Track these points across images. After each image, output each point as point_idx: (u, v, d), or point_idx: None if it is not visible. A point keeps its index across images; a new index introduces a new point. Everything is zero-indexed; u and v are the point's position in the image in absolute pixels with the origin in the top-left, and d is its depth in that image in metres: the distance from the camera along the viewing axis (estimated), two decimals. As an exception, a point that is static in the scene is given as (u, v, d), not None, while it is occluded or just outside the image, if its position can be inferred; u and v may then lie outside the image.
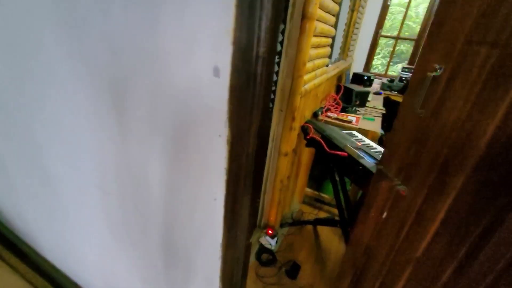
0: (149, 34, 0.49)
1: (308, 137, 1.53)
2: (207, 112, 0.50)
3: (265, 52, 0.42)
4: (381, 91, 3.07)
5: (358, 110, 2.16)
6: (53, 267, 1.39)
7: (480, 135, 0.57)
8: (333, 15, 1.58)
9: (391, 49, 3.82)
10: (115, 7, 0.51)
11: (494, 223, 0.55)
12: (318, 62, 1.56)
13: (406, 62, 3.81)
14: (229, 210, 0.57)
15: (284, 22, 1.23)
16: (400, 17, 3.78)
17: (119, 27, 0.52)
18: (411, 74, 2.96)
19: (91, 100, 0.66)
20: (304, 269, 1.63)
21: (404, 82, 3.14)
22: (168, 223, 0.73)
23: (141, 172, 0.68)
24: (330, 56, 2.21)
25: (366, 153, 1.27)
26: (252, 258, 1.67)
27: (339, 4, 1.60)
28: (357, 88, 2.22)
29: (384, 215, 0.86)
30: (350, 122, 1.82)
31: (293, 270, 1.59)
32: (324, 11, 1.38)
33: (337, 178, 1.58)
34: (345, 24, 2.45)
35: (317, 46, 1.47)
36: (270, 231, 1.70)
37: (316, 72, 1.58)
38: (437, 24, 0.70)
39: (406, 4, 3.55)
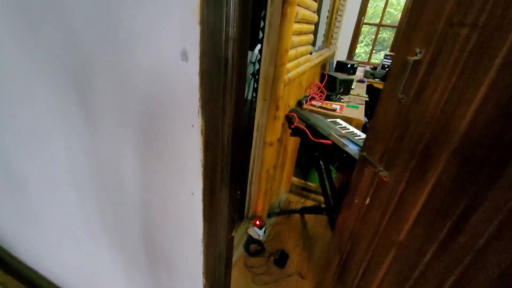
0: (109, 14, 0.44)
1: (292, 126, 1.51)
2: (178, 100, 0.46)
3: (236, 33, 0.39)
4: (365, 78, 3.10)
5: (342, 98, 2.16)
6: (32, 270, 1.33)
7: (461, 118, 0.57)
8: (315, 1, 1.54)
9: (374, 36, 3.84)
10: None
11: (474, 202, 0.55)
12: (301, 49, 1.53)
13: (388, 49, 3.85)
14: (208, 204, 0.55)
15: (265, 8, 1.19)
16: (382, 4, 3.78)
17: (75, 10, 0.47)
18: (393, 61, 2.99)
19: (53, 95, 0.60)
20: (292, 258, 1.65)
21: (387, 69, 3.17)
22: (145, 219, 0.70)
23: (113, 168, 0.64)
24: (313, 44, 2.19)
25: (350, 140, 1.27)
26: (241, 250, 1.67)
27: (321, -11, 1.57)
28: (341, 76, 2.21)
29: (367, 201, 0.86)
30: (334, 110, 1.82)
31: (281, 259, 1.60)
32: (306, -4, 1.34)
33: (323, 166, 1.58)
34: (328, 11, 2.41)
35: (300, 33, 1.43)
36: (257, 222, 1.70)
37: (299, 60, 1.55)
38: (418, 6, 0.68)
39: (388, -9, 3.55)
